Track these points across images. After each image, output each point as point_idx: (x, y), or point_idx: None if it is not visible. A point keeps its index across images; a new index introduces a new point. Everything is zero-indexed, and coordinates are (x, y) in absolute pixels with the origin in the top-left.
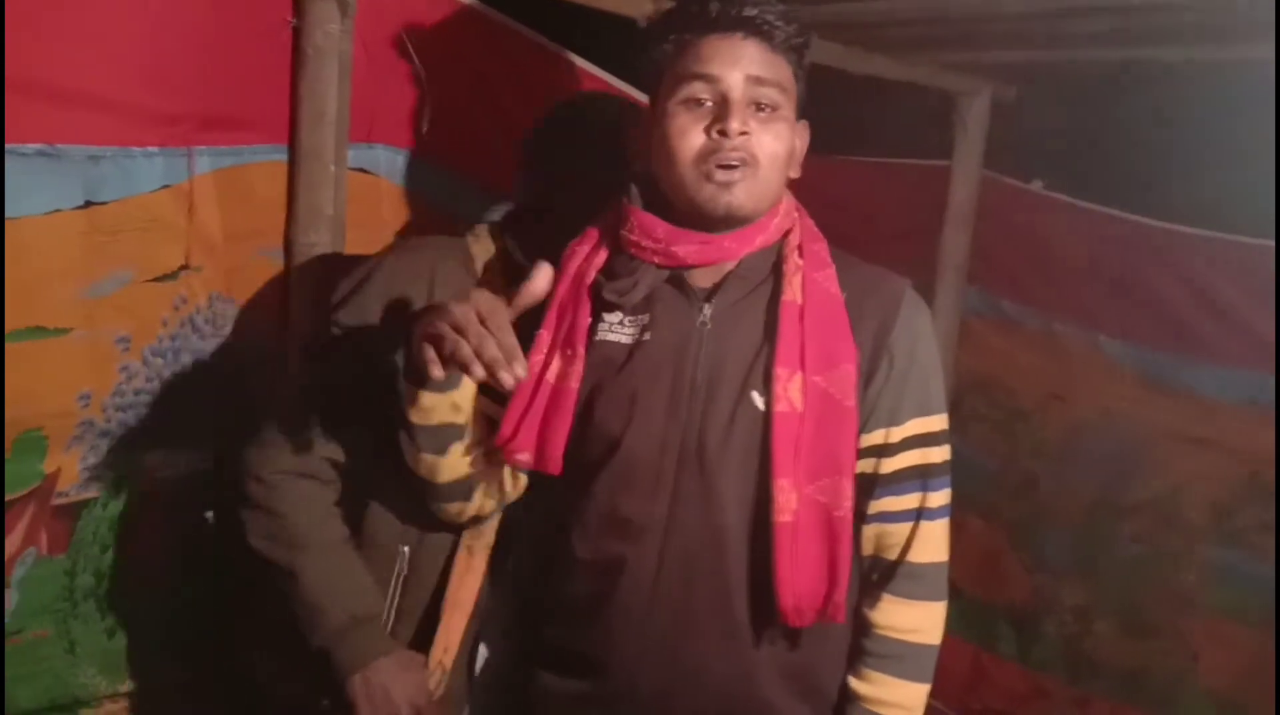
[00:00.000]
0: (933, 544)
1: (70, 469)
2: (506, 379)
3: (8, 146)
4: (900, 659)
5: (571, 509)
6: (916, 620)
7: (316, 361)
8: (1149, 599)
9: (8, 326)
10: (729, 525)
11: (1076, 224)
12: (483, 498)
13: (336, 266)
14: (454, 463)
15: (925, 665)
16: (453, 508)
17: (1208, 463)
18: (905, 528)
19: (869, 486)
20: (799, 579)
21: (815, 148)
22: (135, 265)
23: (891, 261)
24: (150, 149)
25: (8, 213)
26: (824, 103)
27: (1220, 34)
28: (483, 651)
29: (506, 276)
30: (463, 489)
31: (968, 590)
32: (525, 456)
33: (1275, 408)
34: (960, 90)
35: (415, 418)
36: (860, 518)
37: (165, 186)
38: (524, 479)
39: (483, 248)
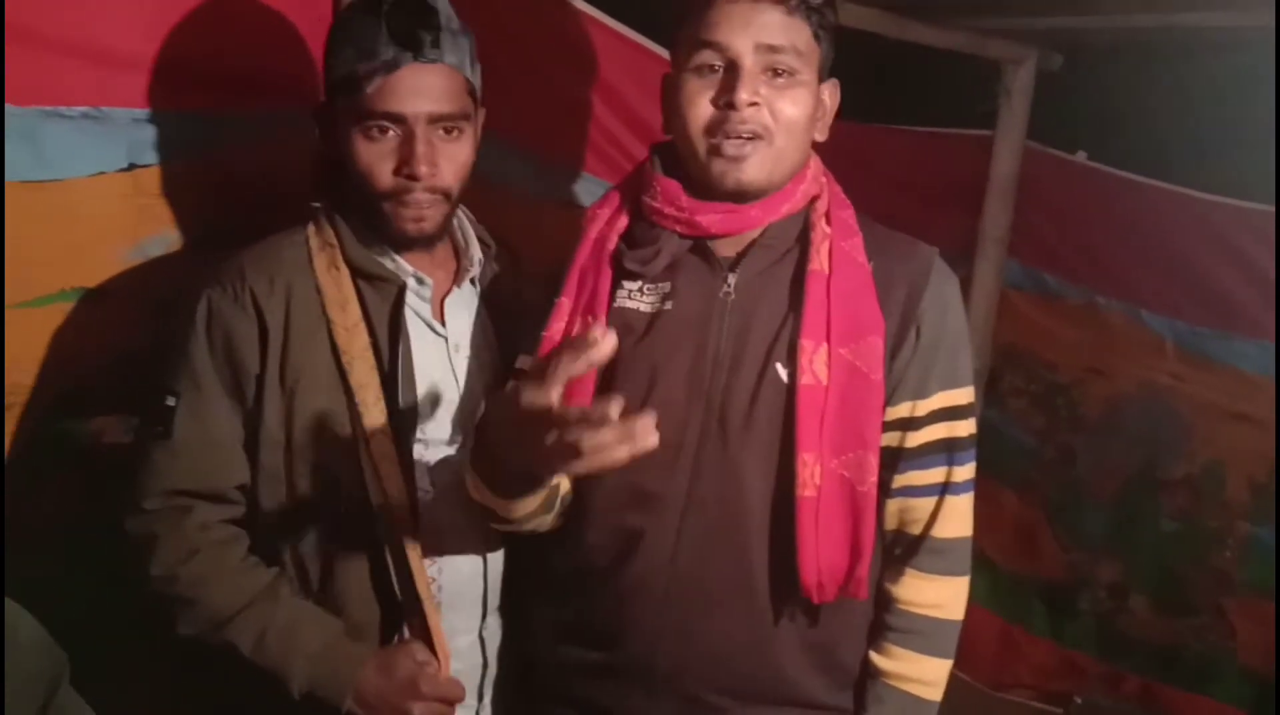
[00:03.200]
0: (957, 519)
1: (114, 428)
2: None
3: (55, 109)
4: (923, 634)
5: (590, 481)
6: (939, 596)
7: (160, 439)
8: (1186, 576)
9: (55, 287)
10: (751, 499)
11: (1120, 196)
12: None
13: None
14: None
15: (948, 641)
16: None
17: (1248, 439)
18: (930, 502)
19: (893, 460)
20: (822, 555)
21: (858, 116)
22: (179, 227)
23: (932, 233)
24: (193, 112)
25: (55, 175)
26: (866, 71)
27: None
28: (500, 624)
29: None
30: (550, 502)
31: (1001, 564)
32: None
33: (1275, 379)
34: (1004, 58)
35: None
36: (884, 491)
37: (208, 148)
38: None
39: (323, 237)
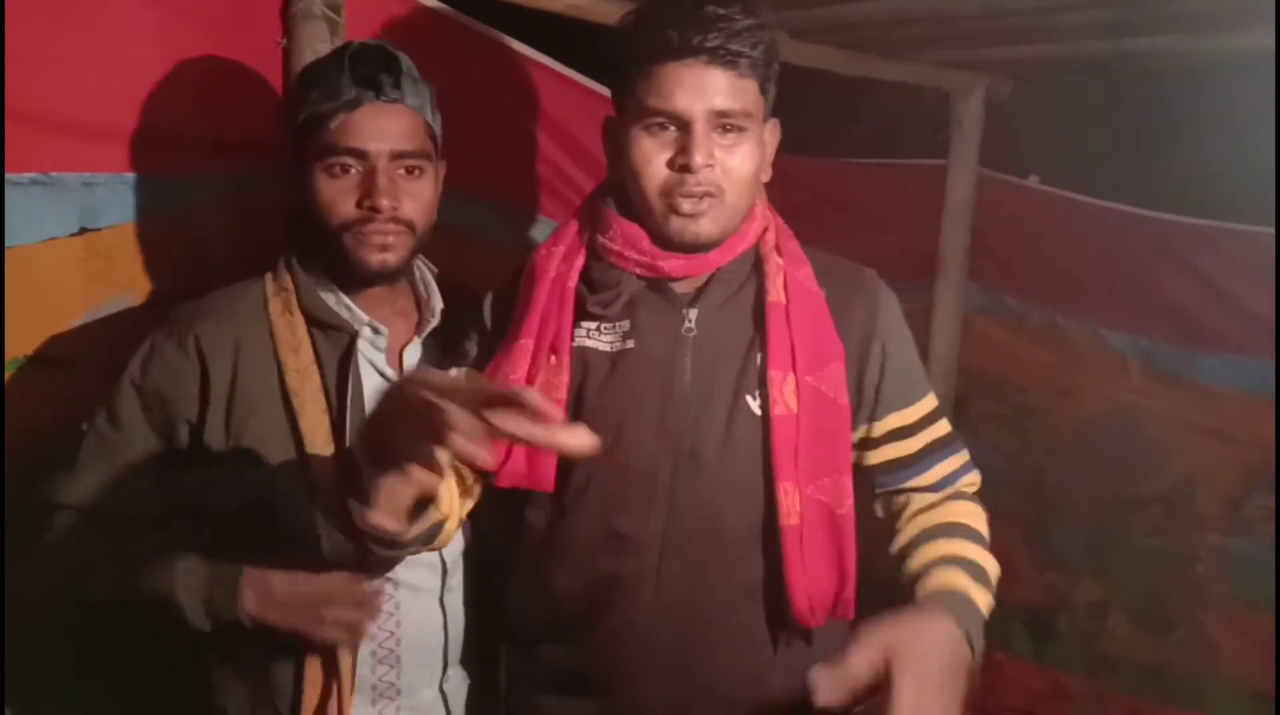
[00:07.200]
0: (969, 502)
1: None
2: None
3: (7, 177)
4: (973, 532)
5: (563, 528)
6: (976, 513)
7: (67, 462)
8: (1164, 592)
9: (9, 355)
10: (730, 533)
11: (1074, 217)
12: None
13: None
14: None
15: (988, 571)
16: (409, 552)
17: (1217, 453)
18: (941, 496)
19: (894, 469)
20: (810, 580)
21: (813, 150)
22: (135, 290)
23: (892, 260)
24: (144, 174)
25: (6, 243)
26: (819, 106)
27: (1216, 23)
28: (463, 677)
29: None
30: (430, 533)
31: None
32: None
33: (1276, 398)
34: (954, 88)
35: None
36: (890, 498)
37: (161, 211)
38: (477, 491)
39: (279, 282)
